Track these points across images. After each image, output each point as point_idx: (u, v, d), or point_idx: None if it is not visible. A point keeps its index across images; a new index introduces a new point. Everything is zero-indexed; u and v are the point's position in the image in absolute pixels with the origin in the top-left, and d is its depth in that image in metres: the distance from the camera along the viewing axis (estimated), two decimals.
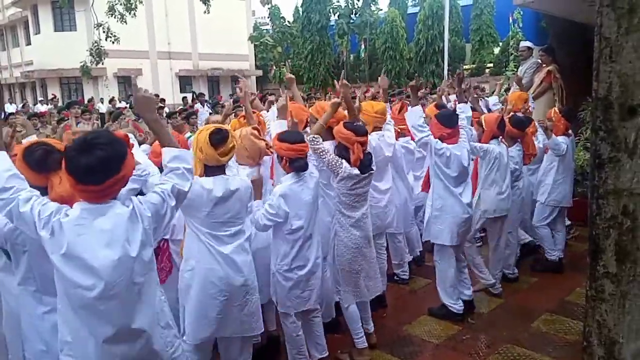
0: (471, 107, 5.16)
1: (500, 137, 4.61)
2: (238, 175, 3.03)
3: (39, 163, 2.33)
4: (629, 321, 1.11)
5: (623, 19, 1.02)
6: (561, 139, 5.13)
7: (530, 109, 6.03)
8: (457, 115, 4.23)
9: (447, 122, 4.09)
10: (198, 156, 2.82)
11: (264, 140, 3.46)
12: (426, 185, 4.70)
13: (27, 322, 2.48)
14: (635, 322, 1.10)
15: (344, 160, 3.43)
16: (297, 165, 3.25)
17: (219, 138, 2.80)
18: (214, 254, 2.84)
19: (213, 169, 2.86)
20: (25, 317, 2.48)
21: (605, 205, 1.09)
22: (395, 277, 5.04)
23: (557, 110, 5.37)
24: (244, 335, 3.02)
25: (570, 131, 5.35)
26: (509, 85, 11.63)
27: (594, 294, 1.14)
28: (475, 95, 6.29)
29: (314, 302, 3.42)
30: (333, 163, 3.41)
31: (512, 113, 5.16)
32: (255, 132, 3.43)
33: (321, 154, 3.40)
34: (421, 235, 5.69)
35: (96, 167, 1.91)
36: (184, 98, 19.74)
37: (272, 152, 3.46)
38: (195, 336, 2.88)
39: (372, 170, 3.58)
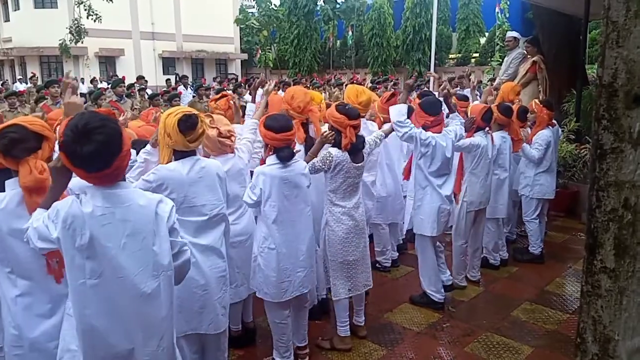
0: (462, 95, 5.13)
1: (487, 128, 4.59)
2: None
3: (5, 151, 2.22)
4: (626, 318, 1.09)
5: (632, 1, 0.97)
6: (546, 132, 5.14)
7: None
8: (440, 102, 4.17)
9: (430, 109, 4.03)
10: (166, 141, 2.72)
11: (217, 128, 3.23)
12: (408, 174, 4.65)
13: (2, 305, 2.39)
14: (632, 319, 1.08)
15: (331, 150, 3.37)
16: (281, 155, 3.15)
17: (188, 125, 2.71)
18: (191, 247, 2.74)
19: (182, 153, 2.78)
20: (1, 299, 2.39)
21: (606, 198, 1.06)
22: (377, 265, 5.03)
23: (538, 102, 5.36)
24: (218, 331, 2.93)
25: (553, 121, 5.34)
26: (494, 75, 11.69)
27: (590, 290, 1.11)
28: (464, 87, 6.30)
29: (291, 293, 3.29)
30: (323, 163, 3.35)
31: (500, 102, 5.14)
32: (206, 120, 3.25)
33: (312, 168, 3.37)
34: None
35: (100, 152, 1.86)
36: (168, 80, 19.45)
37: (233, 141, 3.30)
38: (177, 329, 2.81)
39: (364, 156, 3.50)
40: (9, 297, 2.34)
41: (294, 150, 3.24)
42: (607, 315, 1.08)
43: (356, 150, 3.41)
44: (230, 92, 10.84)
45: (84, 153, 1.84)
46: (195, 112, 2.81)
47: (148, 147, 3.14)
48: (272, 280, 3.22)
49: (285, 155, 3.14)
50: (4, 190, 2.24)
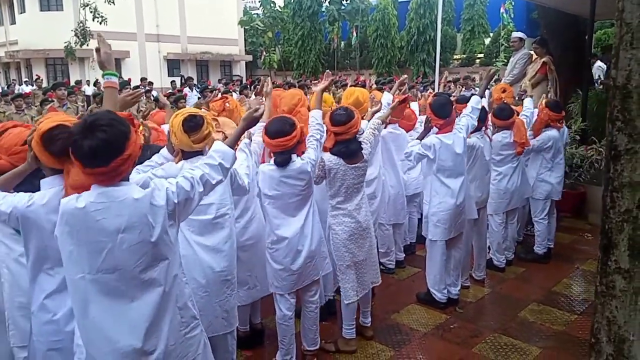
0: (463, 97, 5.11)
1: (483, 128, 4.56)
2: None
3: (57, 152, 2.25)
4: None
5: None
6: (552, 132, 5.13)
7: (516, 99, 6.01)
8: (451, 103, 4.14)
9: (440, 111, 4.02)
10: (173, 141, 2.78)
11: (222, 132, 3.26)
12: None
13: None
14: None
15: (323, 156, 3.41)
16: (277, 160, 3.18)
17: (192, 125, 2.74)
18: (195, 246, 2.79)
19: (190, 153, 2.81)
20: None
21: (620, 199, 1.05)
22: (381, 267, 5.00)
23: (542, 103, 5.33)
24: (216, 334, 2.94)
25: (559, 123, 5.29)
26: (499, 76, 11.66)
27: (604, 290, 1.10)
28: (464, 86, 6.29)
29: (301, 284, 3.36)
30: (319, 169, 3.39)
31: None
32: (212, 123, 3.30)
33: (316, 178, 3.41)
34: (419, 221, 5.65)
35: (100, 149, 1.88)
36: (173, 82, 19.50)
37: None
38: None
39: (364, 155, 3.49)
40: (46, 293, 2.34)
41: None
42: (622, 315, 1.07)
43: (350, 152, 3.41)
44: (235, 94, 10.87)
45: (84, 147, 1.87)
46: (202, 113, 2.84)
47: (164, 150, 3.17)
48: (280, 274, 3.29)
49: (279, 160, 3.17)
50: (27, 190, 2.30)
